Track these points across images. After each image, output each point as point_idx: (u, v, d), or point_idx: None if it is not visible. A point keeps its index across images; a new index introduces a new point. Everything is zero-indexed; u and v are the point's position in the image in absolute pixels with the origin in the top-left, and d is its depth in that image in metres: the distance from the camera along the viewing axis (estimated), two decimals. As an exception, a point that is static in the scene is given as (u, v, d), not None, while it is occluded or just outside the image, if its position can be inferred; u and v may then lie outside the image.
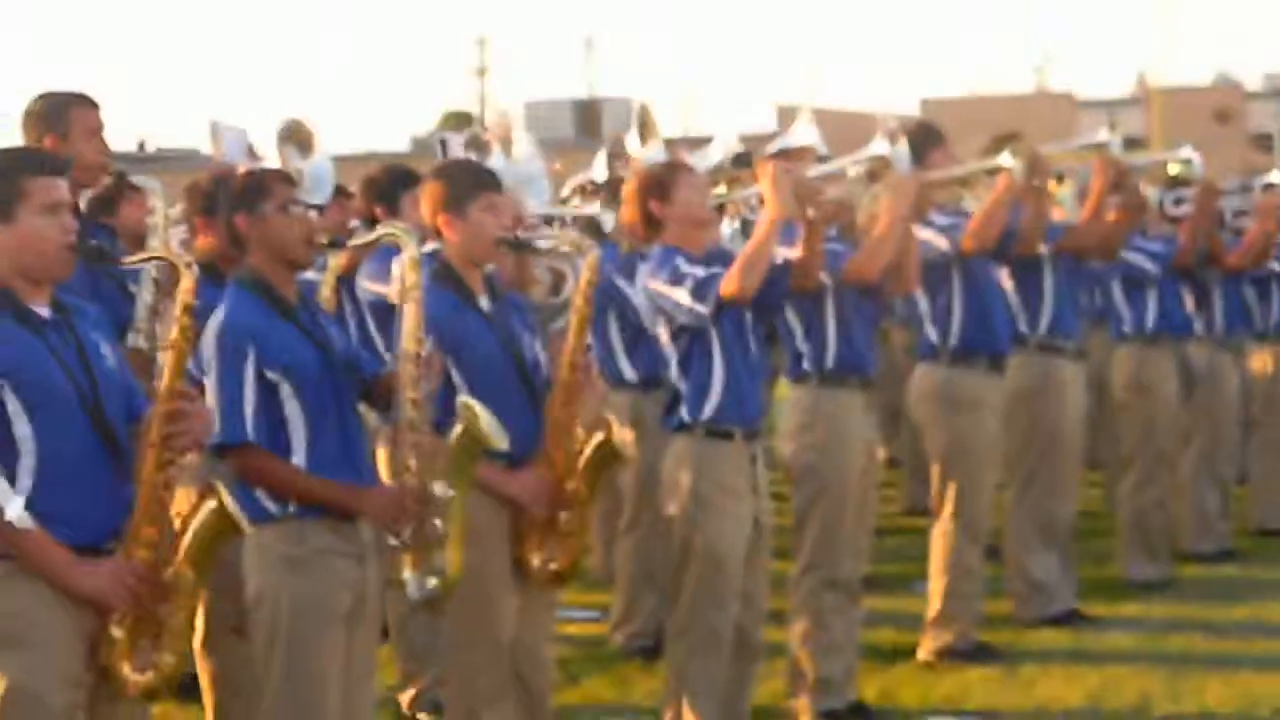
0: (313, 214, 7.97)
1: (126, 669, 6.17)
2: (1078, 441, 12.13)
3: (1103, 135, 12.78)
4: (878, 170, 9.89)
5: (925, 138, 10.81)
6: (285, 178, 7.76)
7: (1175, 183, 13.57)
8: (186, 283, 6.41)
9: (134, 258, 7.75)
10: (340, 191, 10.54)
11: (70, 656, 6.14)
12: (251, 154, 10.44)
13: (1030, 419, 11.76)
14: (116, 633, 6.19)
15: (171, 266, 6.91)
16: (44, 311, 6.21)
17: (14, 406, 6.13)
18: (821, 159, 10.69)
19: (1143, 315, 13.17)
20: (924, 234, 10.27)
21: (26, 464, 6.15)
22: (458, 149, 12.27)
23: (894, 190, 9.47)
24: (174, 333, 6.49)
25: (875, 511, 10.46)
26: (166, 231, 8.83)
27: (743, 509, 8.55)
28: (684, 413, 8.61)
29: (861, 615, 9.75)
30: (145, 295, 8.55)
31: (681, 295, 8.52)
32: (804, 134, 11.25)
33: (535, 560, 7.80)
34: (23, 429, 6.11)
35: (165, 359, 6.53)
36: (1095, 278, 12.92)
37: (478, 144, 12.35)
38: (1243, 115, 64.29)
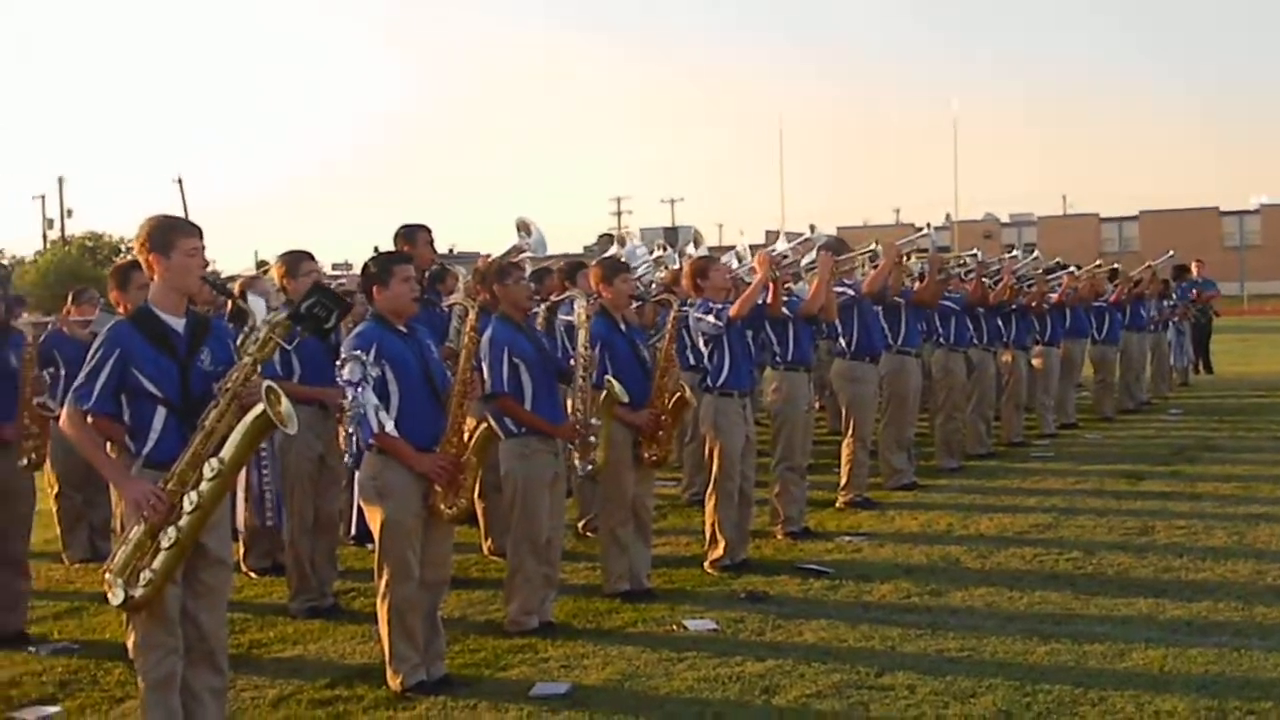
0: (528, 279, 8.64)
1: (442, 507, 6.91)
2: (915, 400, 13.53)
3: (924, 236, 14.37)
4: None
5: (840, 244, 12.18)
6: (518, 265, 8.75)
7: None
8: (471, 316, 7.45)
9: (448, 302, 9.03)
10: (546, 271, 11.58)
11: (414, 501, 6.85)
12: (526, 231, 10.84)
13: (891, 388, 13.23)
14: (437, 489, 6.87)
15: (465, 309, 7.76)
16: (402, 329, 7.01)
17: (390, 375, 6.84)
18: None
19: (948, 333, 14.64)
20: (838, 288, 11.53)
21: (393, 403, 6.87)
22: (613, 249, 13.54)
23: (821, 267, 10.84)
24: (465, 340, 7.44)
25: (812, 432, 11.83)
26: (464, 292, 9.04)
27: (739, 430, 9.77)
28: (710, 383, 9.82)
29: (806, 484, 11.25)
30: (454, 322, 9.47)
31: (710, 320, 9.65)
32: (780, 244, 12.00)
33: (645, 454, 8.97)
34: (394, 386, 6.87)
35: (463, 354, 7.31)
36: (926, 314, 14.18)
37: (621, 242, 13.70)
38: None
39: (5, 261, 69.14)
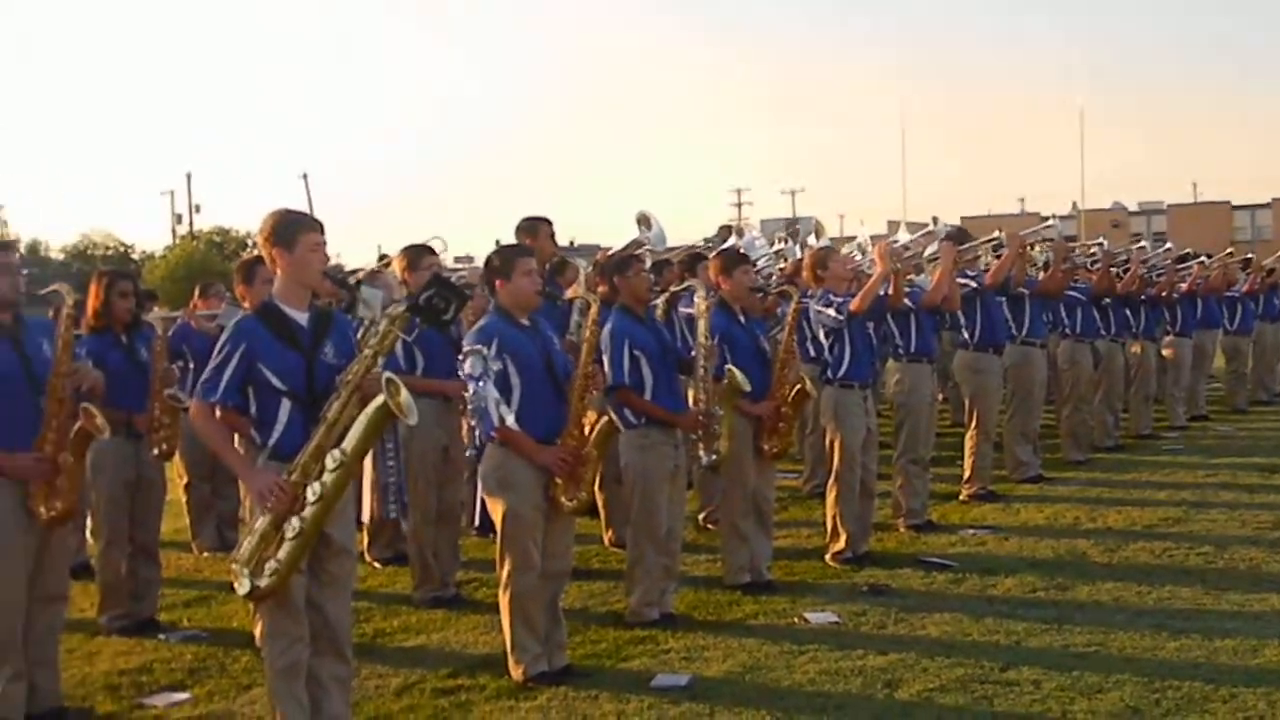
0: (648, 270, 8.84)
1: (562, 499, 6.97)
2: (1041, 391, 13.31)
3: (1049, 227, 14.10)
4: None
5: (963, 234, 12.17)
6: (638, 258, 8.82)
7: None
8: (594, 310, 7.46)
9: (568, 296, 9.15)
10: (665, 264, 11.46)
11: (535, 493, 6.92)
12: (646, 224, 11.18)
13: (1016, 379, 13.01)
14: (557, 481, 6.92)
15: (587, 302, 7.79)
16: (525, 322, 7.05)
17: (511, 369, 6.89)
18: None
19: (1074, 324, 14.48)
20: (961, 279, 11.48)
21: (514, 396, 6.90)
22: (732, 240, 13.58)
23: (943, 258, 10.80)
24: (587, 334, 7.41)
25: (935, 424, 11.78)
26: (586, 287, 9.37)
27: (859, 422, 9.74)
28: (830, 374, 9.80)
29: (929, 477, 11.19)
30: (575, 315, 9.56)
31: (831, 312, 9.64)
32: (901, 234, 12.30)
33: (765, 446, 8.99)
34: (515, 379, 6.91)
35: (584, 347, 7.28)
36: (1052, 305, 14.02)
37: (739, 233, 13.73)
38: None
39: (135, 257, 70.96)
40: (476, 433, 7.05)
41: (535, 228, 9.79)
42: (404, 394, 5.56)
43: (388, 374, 5.64)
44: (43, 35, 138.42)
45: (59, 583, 6.72)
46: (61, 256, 74.36)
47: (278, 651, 5.75)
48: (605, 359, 7.95)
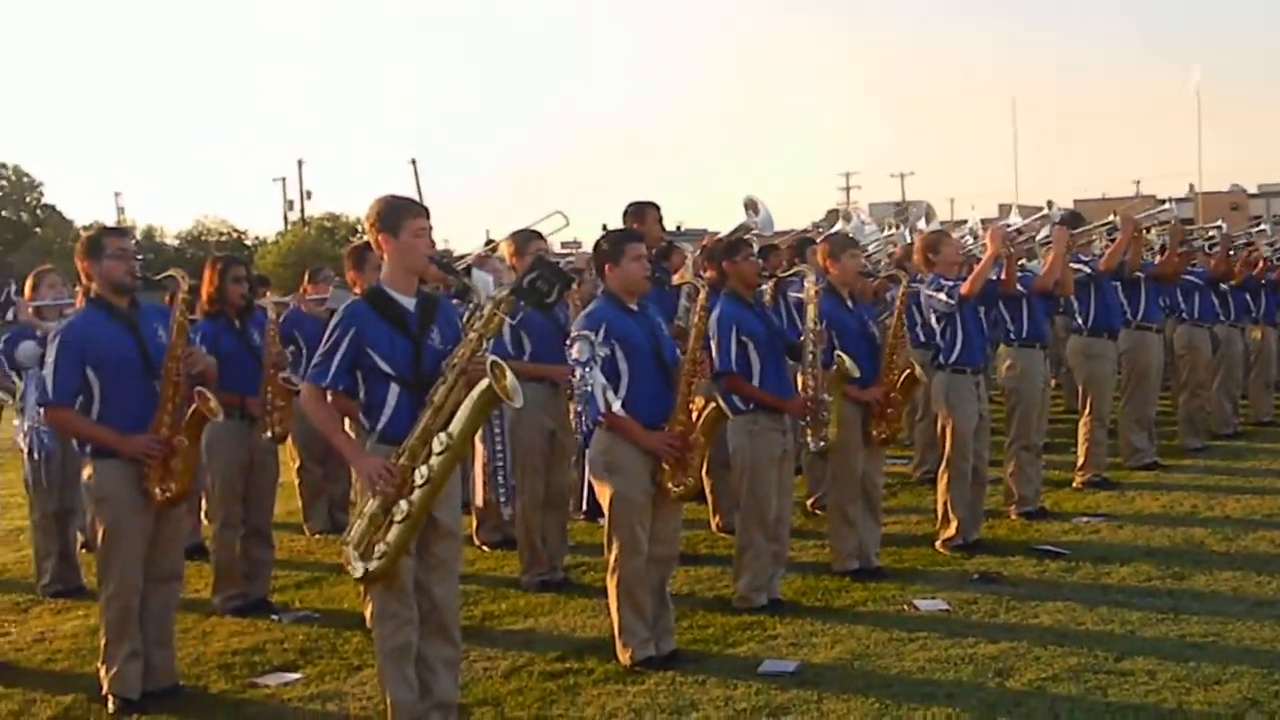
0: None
1: (670, 485, 6.98)
2: (1157, 377, 13.14)
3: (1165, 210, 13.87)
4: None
5: (1076, 218, 12.00)
6: (747, 243, 8.75)
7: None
8: (702, 296, 7.45)
9: (676, 281, 9.19)
10: (772, 248, 11.44)
11: (643, 478, 6.95)
12: (754, 209, 11.07)
13: (1131, 365, 12.82)
14: (665, 467, 6.94)
15: (695, 288, 7.77)
16: (634, 307, 7.09)
17: (619, 354, 6.92)
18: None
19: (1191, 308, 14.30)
20: (1075, 264, 11.31)
21: (622, 382, 6.93)
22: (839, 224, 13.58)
23: (1056, 242, 10.61)
24: (695, 319, 7.34)
25: (1048, 410, 11.60)
26: (693, 272, 9.43)
27: (972, 408, 9.67)
28: (942, 360, 9.73)
29: (1041, 463, 11.06)
30: (684, 301, 9.64)
31: (942, 297, 9.60)
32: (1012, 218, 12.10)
33: (875, 432, 8.91)
34: (622, 365, 6.94)
35: (693, 333, 7.25)
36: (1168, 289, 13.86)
37: (846, 218, 13.73)
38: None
39: (248, 243, 72.08)
40: (583, 418, 7.06)
41: (643, 212, 9.83)
42: (509, 377, 5.58)
43: (493, 358, 5.68)
44: (159, 28, 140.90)
45: (174, 563, 6.87)
46: (176, 243, 75.28)
47: (387, 633, 5.80)
48: (713, 345, 7.94)
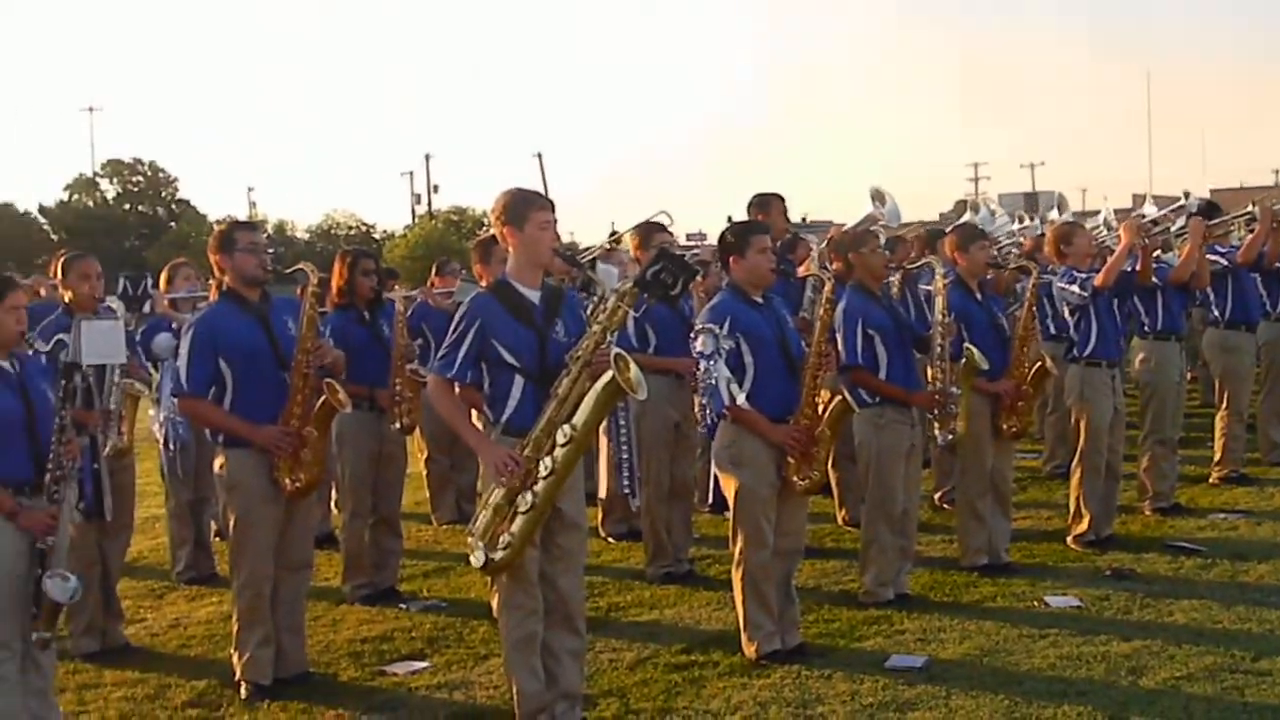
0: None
1: (795, 478, 6.98)
2: None
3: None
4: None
5: (1212, 208, 11.62)
6: (873, 234, 8.78)
7: None
8: (828, 288, 7.42)
9: (802, 273, 9.11)
10: (899, 240, 11.36)
11: (768, 470, 6.92)
12: (880, 200, 10.99)
13: (1271, 358, 12.38)
14: (790, 460, 6.93)
15: (821, 280, 7.70)
16: (759, 299, 6.96)
17: (744, 347, 6.85)
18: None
19: None
20: (1211, 255, 11.01)
21: (748, 374, 6.89)
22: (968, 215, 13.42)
23: (1192, 233, 10.40)
24: (821, 312, 7.40)
25: (1184, 404, 11.39)
26: (819, 264, 9.19)
27: (1107, 401, 9.46)
28: (1076, 352, 9.55)
29: (1177, 458, 10.80)
30: (809, 293, 9.48)
31: (1075, 289, 9.38)
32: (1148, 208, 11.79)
33: (1005, 425, 8.79)
34: (748, 358, 6.86)
35: (819, 325, 7.19)
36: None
37: (974, 209, 13.60)
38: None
39: (376, 236, 73.04)
40: (708, 410, 7.06)
41: (768, 203, 9.74)
42: (633, 370, 5.60)
43: (617, 350, 5.70)
44: (291, 28, 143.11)
45: (304, 551, 7.00)
46: (306, 236, 76.72)
47: (513, 624, 5.86)
48: (839, 337, 7.92)
